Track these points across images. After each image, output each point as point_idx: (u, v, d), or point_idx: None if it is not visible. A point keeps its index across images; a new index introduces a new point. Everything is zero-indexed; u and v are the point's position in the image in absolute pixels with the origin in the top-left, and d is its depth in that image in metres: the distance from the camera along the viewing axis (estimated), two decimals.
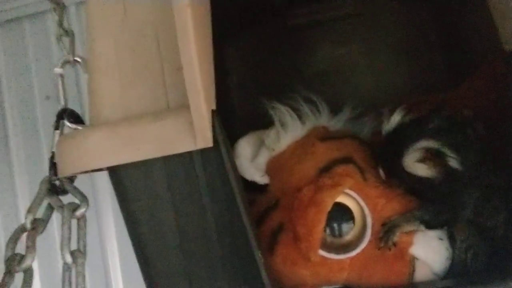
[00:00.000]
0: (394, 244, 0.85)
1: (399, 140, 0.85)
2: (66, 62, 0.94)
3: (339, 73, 1.29)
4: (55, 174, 0.82)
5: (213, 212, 0.75)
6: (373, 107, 0.97)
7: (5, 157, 1.70)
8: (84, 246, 0.79)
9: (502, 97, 0.77)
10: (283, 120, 0.98)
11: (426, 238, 0.86)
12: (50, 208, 0.82)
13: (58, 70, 0.92)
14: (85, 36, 0.82)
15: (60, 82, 0.92)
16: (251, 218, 0.77)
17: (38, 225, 0.77)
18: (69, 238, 0.76)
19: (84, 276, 0.76)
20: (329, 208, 0.84)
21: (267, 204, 0.94)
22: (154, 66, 0.77)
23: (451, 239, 0.86)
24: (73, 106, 0.93)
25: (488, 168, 0.84)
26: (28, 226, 0.77)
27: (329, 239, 0.88)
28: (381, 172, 0.90)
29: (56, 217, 0.83)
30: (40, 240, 0.79)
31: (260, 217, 0.93)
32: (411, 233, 0.86)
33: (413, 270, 0.85)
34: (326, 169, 0.91)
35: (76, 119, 0.90)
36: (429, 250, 0.85)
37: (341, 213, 0.88)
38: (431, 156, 0.81)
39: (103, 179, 1.52)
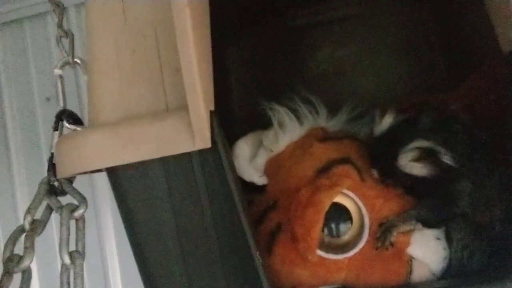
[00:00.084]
0: (392, 244, 0.85)
1: (392, 142, 0.86)
2: (66, 63, 0.93)
3: (340, 74, 1.29)
4: (54, 175, 0.82)
5: (212, 212, 0.75)
6: (373, 107, 0.96)
7: (4, 158, 1.69)
8: (83, 247, 0.78)
9: (501, 97, 0.77)
10: (282, 121, 0.98)
11: (424, 238, 0.86)
12: (49, 209, 0.82)
13: (57, 71, 0.92)
14: (85, 37, 0.82)
15: (59, 83, 0.91)
16: (249, 219, 0.77)
17: (36, 226, 0.77)
18: (68, 239, 0.75)
19: (82, 277, 0.75)
20: (327, 208, 0.84)
21: (266, 205, 0.94)
22: (153, 66, 0.77)
23: (449, 238, 0.86)
24: (72, 107, 0.93)
25: (480, 160, 0.85)
26: (27, 227, 0.76)
27: (327, 239, 0.88)
28: (374, 172, 0.90)
29: (55, 218, 0.82)
30: (39, 241, 0.79)
31: (258, 218, 0.93)
32: (408, 233, 0.86)
33: (411, 270, 0.85)
34: (324, 170, 0.91)
35: (75, 120, 0.89)
36: (427, 250, 0.85)
37: (339, 213, 0.88)
38: (424, 155, 0.82)
39: (102, 180, 1.51)
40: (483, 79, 0.93)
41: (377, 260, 0.86)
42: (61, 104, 0.91)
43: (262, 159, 0.98)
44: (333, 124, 1.01)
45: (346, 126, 1.03)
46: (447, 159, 0.81)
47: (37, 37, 1.69)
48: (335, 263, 0.86)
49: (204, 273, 0.75)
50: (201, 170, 0.74)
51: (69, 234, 0.76)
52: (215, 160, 0.73)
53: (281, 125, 0.98)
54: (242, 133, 1.02)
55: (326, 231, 0.87)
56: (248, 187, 0.96)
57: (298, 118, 0.98)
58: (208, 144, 0.69)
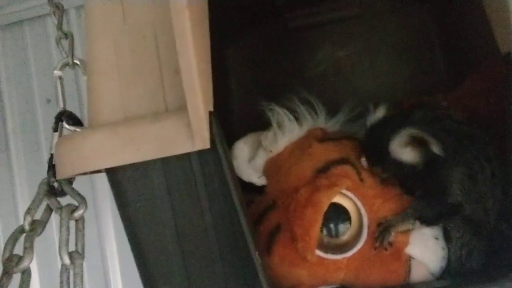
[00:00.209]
0: (390, 244, 0.84)
1: (383, 130, 0.88)
2: (65, 65, 0.93)
3: (339, 74, 1.28)
4: (54, 175, 0.81)
5: (211, 212, 0.74)
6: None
7: (5, 159, 1.69)
8: (82, 247, 0.78)
9: (501, 98, 0.77)
10: (281, 121, 0.98)
11: (422, 238, 0.86)
12: (49, 210, 0.81)
13: (57, 72, 0.92)
14: (85, 38, 0.81)
15: (59, 85, 0.91)
16: (248, 219, 0.76)
17: (36, 227, 0.77)
18: (67, 240, 0.75)
19: (82, 277, 0.75)
20: (325, 208, 0.83)
21: (265, 205, 0.94)
22: (153, 67, 0.76)
23: (447, 238, 0.85)
24: (72, 108, 0.92)
25: (470, 153, 0.85)
26: (27, 227, 0.76)
27: (326, 239, 0.87)
28: (363, 161, 0.90)
29: (55, 218, 0.82)
30: (39, 241, 0.78)
31: (257, 218, 0.92)
32: (407, 232, 0.85)
33: (409, 270, 0.85)
34: (323, 170, 0.91)
35: (75, 121, 0.89)
36: (425, 250, 0.85)
37: (338, 213, 0.87)
38: (414, 141, 0.84)
39: (103, 180, 1.50)
40: (482, 79, 0.93)
41: (376, 260, 0.85)
42: (61, 105, 0.90)
43: (261, 159, 0.98)
44: (332, 125, 1.01)
45: (345, 126, 1.02)
46: (436, 149, 0.82)
47: (38, 39, 1.69)
48: (334, 263, 0.86)
49: (204, 273, 0.75)
50: (200, 171, 0.73)
51: (68, 235, 0.75)
52: (214, 160, 0.72)
53: (280, 125, 0.97)
54: (242, 134, 1.01)
55: (325, 231, 0.87)
56: (247, 188, 0.95)
57: (297, 118, 0.98)
58: (207, 145, 0.69)
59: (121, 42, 0.78)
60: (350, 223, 0.87)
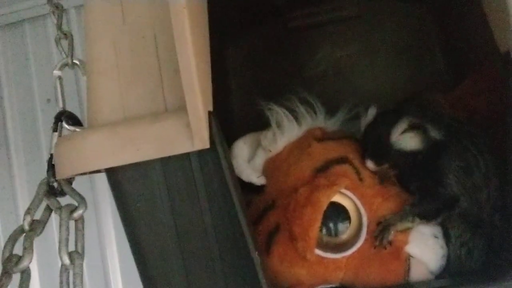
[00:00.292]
0: (390, 243, 0.84)
1: (382, 125, 0.90)
2: (65, 65, 0.93)
3: (339, 74, 1.28)
4: (54, 176, 0.81)
5: (211, 212, 0.74)
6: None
7: (5, 159, 1.69)
8: (82, 247, 0.77)
9: (501, 98, 0.77)
10: (280, 121, 0.97)
11: (422, 237, 0.85)
12: (48, 210, 0.81)
13: (56, 72, 0.91)
14: (84, 38, 0.81)
15: (58, 85, 0.91)
16: (248, 219, 0.76)
17: (36, 227, 0.76)
18: (67, 240, 0.75)
19: (81, 277, 0.74)
20: (324, 207, 0.83)
21: (264, 205, 0.93)
22: (152, 67, 0.76)
23: (447, 236, 0.85)
24: (73, 108, 0.92)
25: (462, 145, 0.87)
26: (26, 227, 0.76)
27: (325, 238, 0.87)
28: (369, 164, 0.90)
29: (56, 218, 0.82)
30: (40, 241, 0.78)
31: (257, 218, 0.92)
32: (406, 231, 0.85)
33: (409, 269, 0.84)
34: (322, 169, 0.90)
35: (75, 121, 0.89)
36: (425, 248, 0.85)
37: (337, 212, 0.87)
38: (414, 127, 0.87)
39: (103, 180, 1.50)
40: (482, 79, 0.93)
41: (375, 259, 0.85)
42: (60, 105, 0.90)
43: (260, 159, 0.97)
44: (331, 124, 1.01)
45: (344, 126, 1.02)
46: (434, 133, 0.85)
47: (38, 38, 1.69)
48: (333, 262, 0.86)
49: (203, 273, 0.75)
50: (200, 171, 0.73)
51: (68, 235, 0.75)
52: (214, 160, 0.72)
53: (279, 125, 0.97)
54: (242, 134, 1.01)
55: (324, 230, 0.86)
56: (247, 188, 0.95)
57: (296, 118, 0.98)
58: (206, 145, 0.69)
59: (121, 42, 0.78)
60: (350, 222, 0.87)
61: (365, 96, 1.19)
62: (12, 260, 0.71)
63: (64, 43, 0.94)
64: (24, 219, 0.76)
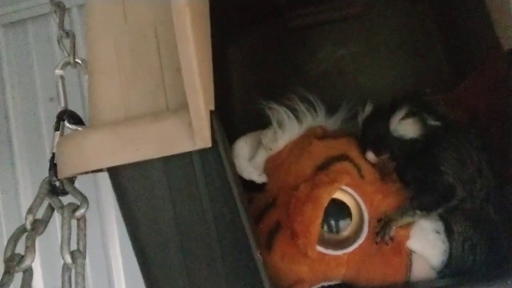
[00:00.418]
0: (391, 239, 0.83)
1: (380, 116, 0.90)
2: (67, 64, 0.91)
3: (340, 74, 1.27)
4: (55, 175, 0.80)
5: (212, 211, 0.73)
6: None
7: (8, 158, 1.68)
8: (84, 246, 0.76)
9: (502, 97, 0.76)
10: (280, 120, 0.97)
11: (423, 232, 0.85)
12: (50, 209, 0.80)
13: (58, 71, 0.90)
14: (85, 37, 0.80)
15: (60, 84, 0.89)
16: (250, 217, 0.75)
17: (38, 226, 0.75)
18: (69, 239, 0.74)
19: (83, 276, 0.74)
20: (325, 204, 0.82)
21: (265, 203, 0.93)
22: (153, 66, 0.75)
23: (449, 232, 0.84)
24: (76, 107, 0.91)
25: (456, 138, 0.88)
26: (28, 226, 0.75)
27: (327, 235, 0.86)
28: (370, 155, 0.90)
29: (59, 217, 0.81)
30: (43, 240, 0.77)
31: (258, 215, 0.91)
32: (407, 227, 0.85)
33: (410, 264, 0.84)
34: (323, 167, 0.90)
35: (76, 120, 0.88)
36: (426, 244, 0.84)
37: (338, 209, 0.86)
38: (412, 114, 0.87)
39: (106, 179, 1.50)
40: (484, 78, 0.93)
41: (377, 255, 0.84)
42: (62, 104, 0.89)
43: (261, 158, 0.97)
44: (331, 123, 1.00)
45: (344, 124, 1.01)
46: (432, 120, 0.86)
47: (41, 37, 1.68)
48: (334, 259, 0.85)
49: (205, 272, 0.74)
50: (201, 170, 0.72)
51: (70, 234, 0.74)
52: (215, 159, 0.71)
53: (280, 124, 0.96)
54: (243, 133, 1.00)
55: (325, 227, 0.86)
56: (248, 186, 0.94)
57: (297, 117, 0.97)
58: (208, 144, 0.68)
59: (122, 41, 0.77)
60: (351, 219, 0.86)
61: (366, 95, 1.17)
62: (14, 259, 0.70)
63: (66, 42, 0.92)
64: (26, 218, 0.75)
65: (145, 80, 0.75)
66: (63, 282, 0.73)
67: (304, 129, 0.97)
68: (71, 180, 0.82)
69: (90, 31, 0.78)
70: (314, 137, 0.95)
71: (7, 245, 0.73)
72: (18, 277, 0.72)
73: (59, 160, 0.78)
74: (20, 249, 0.74)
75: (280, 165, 0.94)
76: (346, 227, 0.86)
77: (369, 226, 0.85)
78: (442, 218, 0.86)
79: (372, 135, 0.91)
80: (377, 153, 0.90)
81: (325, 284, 0.87)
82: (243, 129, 1.02)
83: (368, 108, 0.94)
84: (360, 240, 0.85)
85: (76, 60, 0.92)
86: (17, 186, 1.66)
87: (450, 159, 0.85)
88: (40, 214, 0.79)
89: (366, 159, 0.92)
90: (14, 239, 0.73)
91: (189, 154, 0.70)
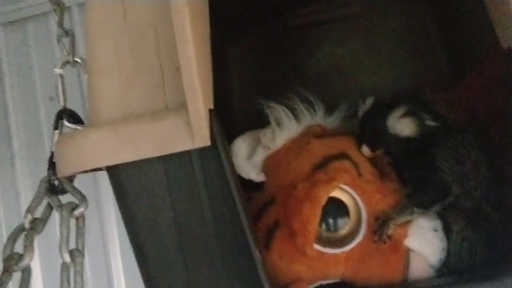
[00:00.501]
0: (389, 237, 0.83)
1: (378, 112, 0.91)
2: (66, 63, 0.91)
3: (340, 73, 1.26)
4: (54, 173, 0.79)
5: (212, 210, 0.73)
6: None
7: (8, 157, 1.67)
8: (83, 245, 0.76)
9: (502, 96, 0.76)
10: (279, 118, 0.96)
11: (421, 230, 0.84)
12: (49, 208, 0.80)
13: (58, 70, 0.90)
14: (85, 36, 0.80)
15: (59, 83, 0.89)
16: (249, 217, 0.75)
17: (36, 225, 0.75)
18: (68, 238, 0.73)
19: (82, 275, 0.73)
20: (323, 202, 0.82)
21: (264, 201, 0.92)
22: (153, 66, 0.75)
23: (447, 230, 0.84)
24: (75, 106, 0.90)
25: (453, 137, 0.88)
26: (27, 225, 0.74)
27: (325, 233, 0.86)
28: (364, 149, 0.91)
29: (58, 216, 0.80)
30: (42, 239, 0.76)
31: (257, 214, 0.90)
32: (405, 225, 0.84)
33: (408, 262, 0.83)
34: (321, 166, 0.89)
35: (76, 119, 0.87)
36: (424, 242, 0.84)
37: (336, 208, 0.86)
38: (410, 113, 0.88)
39: (106, 178, 1.49)
40: (483, 77, 0.92)
41: (375, 253, 0.84)
42: (62, 103, 0.88)
43: (259, 156, 0.96)
44: (330, 122, 0.99)
45: (343, 123, 1.01)
46: (429, 121, 0.86)
47: (40, 36, 1.67)
48: (333, 257, 0.84)
49: (204, 270, 0.73)
50: (200, 168, 0.72)
51: (69, 233, 0.74)
52: (214, 158, 0.71)
53: (278, 123, 0.96)
54: (242, 132, 1.00)
55: (323, 225, 0.85)
56: (246, 185, 0.94)
57: (296, 116, 0.96)
58: (207, 143, 0.67)
59: (122, 40, 0.76)
60: (349, 218, 0.86)
61: (366, 95, 1.17)
62: (13, 258, 0.70)
63: (66, 41, 0.92)
64: (25, 217, 0.75)
65: (145, 79, 0.74)
66: (61, 281, 0.72)
67: (302, 128, 0.96)
68: (70, 179, 0.81)
69: (89, 30, 0.78)
70: (312, 136, 0.94)
71: (5, 244, 0.72)
72: (16, 276, 0.71)
73: (58, 159, 0.77)
74: (19, 248, 0.73)
75: (279, 164, 0.94)
76: (344, 226, 0.86)
77: (367, 225, 0.84)
78: (440, 216, 0.85)
79: (369, 130, 0.91)
80: (372, 148, 0.91)
81: (324, 282, 0.87)
82: (242, 129, 1.01)
83: (369, 101, 0.94)
84: (358, 239, 0.84)
85: (76, 59, 0.91)
86: (17, 185, 1.65)
87: (447, 157, 0.85)
88: (39, 213, 0.78)
89: (365, 158, 0.92)
90: (12, 238, 0.73)
91: (188, 153, 0.70)
